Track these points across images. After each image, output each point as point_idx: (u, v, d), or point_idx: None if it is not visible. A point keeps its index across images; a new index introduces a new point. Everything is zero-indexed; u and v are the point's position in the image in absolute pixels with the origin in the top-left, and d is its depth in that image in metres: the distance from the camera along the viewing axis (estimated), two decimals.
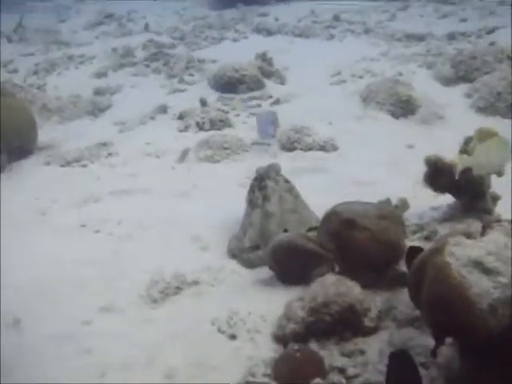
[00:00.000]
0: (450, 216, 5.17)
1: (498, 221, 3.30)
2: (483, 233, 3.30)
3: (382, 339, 3.96)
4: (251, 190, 5.28)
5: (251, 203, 5.22)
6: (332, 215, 4.57)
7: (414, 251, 3.77)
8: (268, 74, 9.80)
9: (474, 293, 2.95)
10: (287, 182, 5.31)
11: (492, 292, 2.95)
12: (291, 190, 5.28)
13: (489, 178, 5.02)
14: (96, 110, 9.17)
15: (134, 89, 10.23)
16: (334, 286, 4.06)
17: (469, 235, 3.26)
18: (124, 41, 13.32)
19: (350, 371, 3.77)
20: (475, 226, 4.39)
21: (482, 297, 2.94)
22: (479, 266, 3.02)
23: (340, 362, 3.83)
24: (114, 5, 18.25)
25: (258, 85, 9.46)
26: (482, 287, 2.96)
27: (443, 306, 3.00)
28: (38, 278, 4.97)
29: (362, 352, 3.91)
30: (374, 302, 4.20)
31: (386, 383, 3.30)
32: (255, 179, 5.31)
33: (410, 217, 5.29)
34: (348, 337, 4.01)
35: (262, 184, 5.20)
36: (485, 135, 4.88)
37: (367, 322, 4.05)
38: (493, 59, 8.94)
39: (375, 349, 3.89)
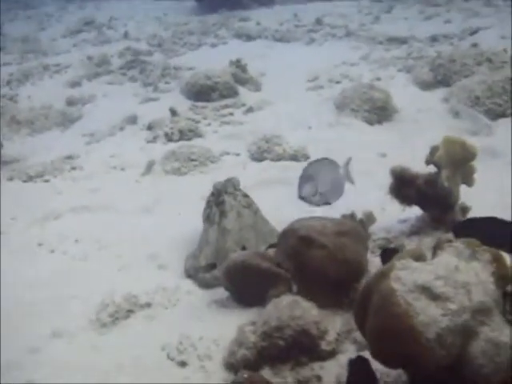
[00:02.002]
0: (418, 229, 4.97)
1: (449, 241, 3.08)
2: (434, 254, 3.09)
3: (340, 364, 3.73)
4: (208, 206, 5.08)
5: (208, 220, 5.02)
6: (289, 232, 4.36)
7: (390, 254, 3.62)
8: (242, 81, 9.54)
9: (421, 321, 2.74)
10: (246, 196, 5.11)
11: (440, 320, 2.75)
12: (250, 205, 5.06)
13: (457, 189, 4.82)
14: (66, 122, 8.94)
15: (106, 98, 9.98)
16: (287, 309, 3.85)
17: (419, 257, 3.04)
18: (102, 49, 13.07)
19: None
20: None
21: (430, 326, 2.74)
22: (427, 291, 2.82)
23: None
24: (98, 12, 18.04)
25: (231, 92, 9.21)
26: (429, 315, 2.76)
27: (388, 336, 2.79)
28: None
29: (319, 378, 3.70)
30: (333, 323, 3.98)
31: None
32: (212, 194, 5.10)
33: (378, 230, 5.07)
34: (304, 362, 3.79)
35: (220, 199, 4.99)
36: (451, 144, 4.70)
37: (324, 346, 3.84)
38: (472, 62, 8.71)
39: (332, 374, 3.69)
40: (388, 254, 3.95)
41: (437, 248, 3.09)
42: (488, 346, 2.74)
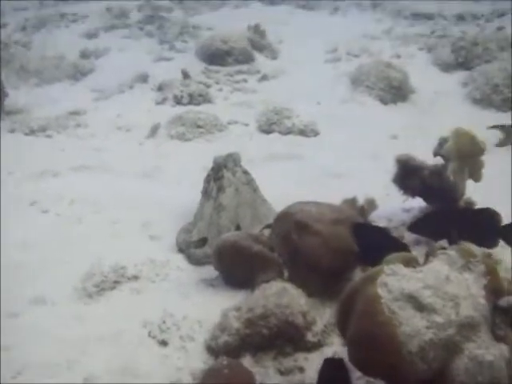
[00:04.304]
0: None
1: (443, 248, 2.95)
2: (426, 260, 2.96)
3: (325, 356, 3.61)
4: (207, 180, 4.96)
5: (206, 194, 4.90)
6: (285, 215, 4.25)
7: (361, 228, 3.79)
8: (259, 48, 9.35)
9: (404, 332, 2.62)
10: (246, 173, 4.98)
11: (424, 332, 2.63)
12: (250, 182, 4.94)
13: (463, 184, 4.68)
14: (78, 74, 8.81)
15: (120, 53, 9.80)
16: (275, 296, 3.76)
17: (409, 262, 2.91)
18: (121, 1, 12.81)
19: None
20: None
21: (412, 337, 2.62)
22: (413, 300, 2.69)
23: (274, 380, 3.57)
24: None
25: (246, 58, 9.02)
26: (413, 326, 2.63)
27: (368, 343, 2.67)
28: None
29: (301, 369, 3.64)
30: (321, 314, 3.89)
31: None
32: (212, 169, 4.97)
33: (379, 218, 4.94)
34: (288, 352, 3.73)
35: (219, 174, 4.87)
36: (461, 137, 4.56)
37: (310, 337, 3.76)
38: (495, 47, 8.50)
39: (315, 366, 3.58)
40: (359, 229, 3.95)
41: (429, 254, 2.96)
42: (472, 364, 2.63)
